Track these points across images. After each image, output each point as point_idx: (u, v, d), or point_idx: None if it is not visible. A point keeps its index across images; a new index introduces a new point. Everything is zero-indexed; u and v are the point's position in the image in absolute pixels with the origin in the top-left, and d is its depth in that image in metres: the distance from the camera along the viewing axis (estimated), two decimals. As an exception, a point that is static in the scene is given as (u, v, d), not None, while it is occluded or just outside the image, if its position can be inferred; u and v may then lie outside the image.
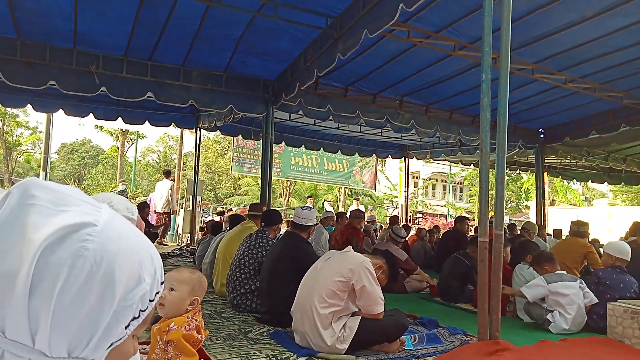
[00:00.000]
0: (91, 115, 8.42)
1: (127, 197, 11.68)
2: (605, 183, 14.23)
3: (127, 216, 1.91)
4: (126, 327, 0.63)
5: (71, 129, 65.30)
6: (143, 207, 8.81)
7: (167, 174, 12.07)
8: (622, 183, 13.83)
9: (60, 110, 8.08)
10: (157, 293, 0.67)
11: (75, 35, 5.54)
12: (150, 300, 0.65)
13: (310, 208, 4.36)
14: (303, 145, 11.50)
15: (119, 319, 0.61)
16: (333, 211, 8.92)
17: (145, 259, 0.65)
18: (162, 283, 0.69)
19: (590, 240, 6.79)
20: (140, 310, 0.64)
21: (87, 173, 36.16)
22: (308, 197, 18.64)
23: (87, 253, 0.58)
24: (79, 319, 0.58)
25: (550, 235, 10.00)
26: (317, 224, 7.92)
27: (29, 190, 0.61)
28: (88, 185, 29.74)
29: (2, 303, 0.56)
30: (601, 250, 5.21)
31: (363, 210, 14.15)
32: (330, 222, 8.25)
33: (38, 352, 0.57)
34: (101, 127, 26.47)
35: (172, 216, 12.17)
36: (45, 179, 10.63)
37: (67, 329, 0.57)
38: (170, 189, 11.37)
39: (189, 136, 15.39)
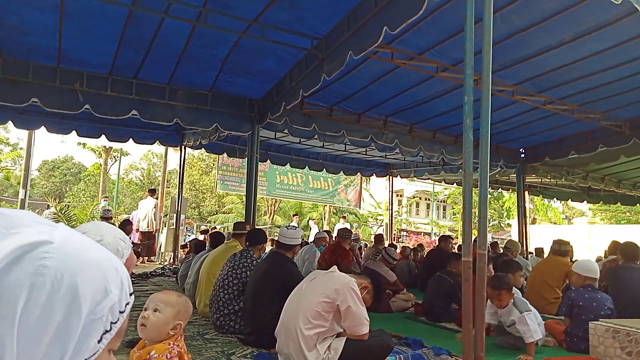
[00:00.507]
0: (74, 132, 8.32)
1: (111, 215, 11.52)
2: (585, 202, 14.51)
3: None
4: (99, 342, 0.61)
5: (53, 146, 64.37)
6: (125, 225, 8.66)
7: (152, 192, 11.97)
8: (601, 202, 14.12)
9: (42, 127, 7.97)
10: (128, 304, 0.66)
11: (59, 53, 5.51)
12: (121, 312, 0.64)
13: (295, 227, 4.34)
14: (288, 164, 11.51)
15: (90, 333, 0.60)
16: (323, 232, 8.91)
17: (109, 271, 0.64)
18: (131, 294, 0.68)
19: (572, 259, 6.87)
20: (112, 322, 0.63)
21: (68, 190, 35.54)
22: (294, 216, 18.58)
23: (46, 271, 0.56)
24: (47, 339, 0.56)
25: (532, 253, 10.12)
26: (308, 244, 7.91)
27: None
28: (70, 202, 29.21)
29: None
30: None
31: (350, 228, 14.16)
32: (323, 243, 8.23)
33: None
34: (84, 145, 26.14)
35: (155, 235, 12.03)
36: (25, 197, 10.45)
37: (35, 350, 0.56)
38: (155, 207, 11.26)
39: (174, 154, 15.29)
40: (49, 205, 12.69)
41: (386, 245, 9.15)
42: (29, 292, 0.55)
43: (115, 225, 8.78)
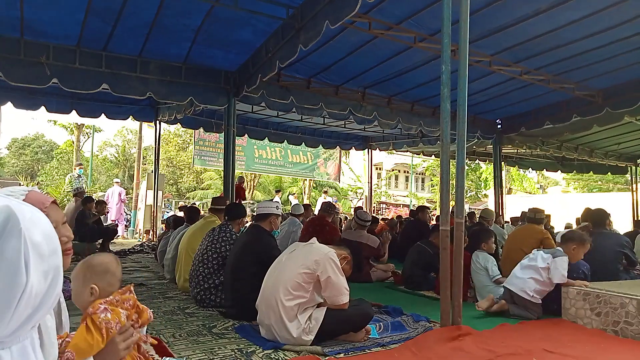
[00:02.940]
0: (43, 108, 8.03)
1: (84, 183, 11.28)
2: (559, 171, 14.86)
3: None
4: None
5: (23, 123, 62.21)
6: (87, 202, 8.48)
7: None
8: (574, 171, 14.49)
9: (9, 103, 7.67)
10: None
11: (22, 24, 5.24)
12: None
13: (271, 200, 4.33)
14: (266, 138, 11.40)
15: None
16: (299, 206, 8.88)
17: None
18: None
19: (549, 227, 7.07)
20: None
21: (40, 169, 34.59)
22: (277, 192, 18.54)
23: None
24: None
25: (508, 222, 10.36)
26: (288, 217, 7.88)
27: None
28: (42, 181, 28.48)
29: None
30: (556, 237, 5.43)
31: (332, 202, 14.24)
32: (299, 217, 8.21)
33: None
34: (55, 121, 25.31)
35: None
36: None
37: None
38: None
39: (149, 130, 14.96)
40: (20, 184, 12.26)
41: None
42: None
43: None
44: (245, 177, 14.54)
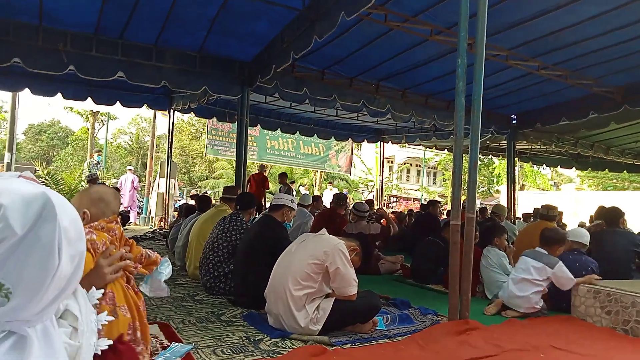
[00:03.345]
0: (59, 95, 8.12)
1: (97, 177, 11.43)
2: (574, 168, 14.65)
3: None
4: None
5: (39, 109, 63.03)
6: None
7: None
8: (589, 168, 14.26)
9: (27, 89, 7.77)
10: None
11: (40, 11, 5.30)
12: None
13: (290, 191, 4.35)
14: (279, 129, 11.40)
15: None
16: (309, 197, 8.90)
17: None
18: None
19: (560, 224, 7.01)
20: None
21: (56, 155, 35.09)
22: (291, 183, 18.59)
23: None
24: None
25: (520, 218, 10.28)
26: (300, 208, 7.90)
27: None
28: (57, 167, 28.90)
29: None
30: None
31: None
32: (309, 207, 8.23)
33: None
34: (71, 108, 25.64)
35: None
36: (11, 160, 10.31)
37: None
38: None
39: (162, 118, 15.07)
40: (35, 169, 12.44)
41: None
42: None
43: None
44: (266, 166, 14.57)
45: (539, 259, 4.11)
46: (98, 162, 12.09)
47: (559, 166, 14.48)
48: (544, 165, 15.04)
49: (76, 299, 1.09)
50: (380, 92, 8.06)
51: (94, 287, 1.33)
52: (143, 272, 2.08)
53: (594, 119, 8.26)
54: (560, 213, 6.94)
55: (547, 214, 6.53)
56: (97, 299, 1.32)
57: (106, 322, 1.29)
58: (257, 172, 12.38)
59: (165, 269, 2.09)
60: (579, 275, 4.11)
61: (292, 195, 10.51)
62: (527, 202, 17.40)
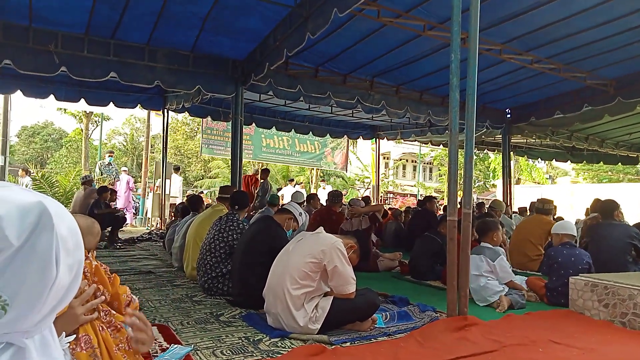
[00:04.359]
0: (52, 96, 8.07)
1: (115, 171, 11.33)
2: (569, 161, 14.72)
3: None
4: None
5: (32, 111, 62.60)
6: (102, 192, 8.55)
7: (177, 169, 12.91)
8: (584, 161, 14.34)
9: (19, 91, 7.71)
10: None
11: (30, 12, 5.25)
12: (86, 247, 0.81)
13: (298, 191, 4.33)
14: (274, 127, 11.37)
15: None
16: (301, 194, 8.87)
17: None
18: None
19: (555, 217, 7.03)
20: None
21: (50, 157, 34.89)
22: (290, 181, 18.55)
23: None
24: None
25: (516, 212, 10.30)
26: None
27: None
28: (52, 169, 28.75)
29: None
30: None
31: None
32: (302, 205, 8.21)
33: None
34: (64, 110, 25.44)
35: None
36: (5, 163, 10.23)
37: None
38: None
39: (157, 118, 14.99)
40: (30, 171, 12.30)
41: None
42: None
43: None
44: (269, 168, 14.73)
45: (483, 252, 4.24)
46: (110, 164, 11.87)
47: (554, 159, 14.55)
48: (539, 159, 15.10)
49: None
50: (375, 88, 8.06)
51: (63, 333, 1.14)
52: (121, 320, 1.77)
53: (588, 112, 8.30)
54: (555, 207, 6.96)
55: (543, 207, 6.55)
56: (70, 345, 1.23)
57: None
58: (251, 174, 12.41)
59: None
60: (576, 270, 4.12)
61: (269, 190, 10.50)
62: (523, 196, 17.44)
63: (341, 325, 3.16)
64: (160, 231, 10.15)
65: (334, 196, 7.39)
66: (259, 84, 6.83)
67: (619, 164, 14.75)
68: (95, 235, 1.88)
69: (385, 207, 9.91)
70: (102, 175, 11.35)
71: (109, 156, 12.36)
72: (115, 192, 10.21)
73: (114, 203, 10.42)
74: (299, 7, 4.99)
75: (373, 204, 9.41)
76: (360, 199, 7.48)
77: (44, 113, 55.34)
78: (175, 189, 12.55)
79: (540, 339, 3.02)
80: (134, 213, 13.83)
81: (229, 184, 7.00)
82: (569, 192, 19.89)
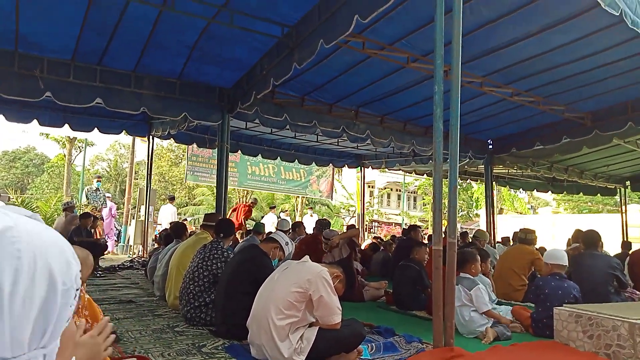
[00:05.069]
0: (35, 121, 7.98)
1: (103, 197, 11.05)
2: (549, 192, 14.96)
3: None
4: (71, 307, 0.68)
5: (14, 136, 61.76)
6: (84, 218, 8.39)
7: (172, 199, 13.16)
8: (564, 192, 14.59)
9: (1, 116, 7.62)
10: (80, 270, 0.73)
11: (16, 37, 5.24)
12: (80, 278, 0.72)
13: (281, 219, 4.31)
14: (260, 154, 11.38)
15: (67, 302, 0.66)
16: (285, 221, 8.81)
17: (64, 244, 0.70)
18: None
19: (537, 247, 7.08)
20: (76, 289, 0.69)
21: (31, 182, 34.28)
22: (271, 208, 18.46)
23: (21, 254, 0.61)
24: (33, 315, 0.61)
25: (500, 242, 10.38)
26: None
27: None
28: (32, 194, 28.19)
29: None
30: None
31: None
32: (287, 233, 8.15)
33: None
34: (47, 135, 25.17)
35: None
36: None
37: (24, 327, 0.61)
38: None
39: (141, 144, 14.90)
40: (9, 197, 11.95)
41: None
42: (14, 276, 0.59)
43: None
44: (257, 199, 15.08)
45: (462, 283, 4.22)
46: (97, 189, 11.42)
47: (535, 190, 14.78)
48: (521, 189, 15.34)
49: None
50: (360, 118, 8.17)
51: None
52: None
53: (567, 144, 8.50)
54: (535, 237, 6.98)
55: (526, 237, 6.62)
56: None
57: None
58: (246, 203, 12.41)
59: None
60: (562, 302, 4.11)
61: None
62: (506, 225, 17.63)
63: (326, 357, 3.09)
64: (142, 259, 9.94)
65: (322, 225, 7.37)
66: (245, 112, 6.87)
67: (598, 194, 15.05)
68: (89, 266, 1.82)
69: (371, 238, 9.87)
70: (88, 201, 11.00)
71: (97, 181, 11.89)
72: (97, 219, 10.02)
73: (97, 231, 10.21)
74: (286, 37, 5.09)
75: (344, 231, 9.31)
76: (332, 230, 7.38)
77: (26, 138, 54.57)
78: (167, 218, 12.35)
79: (526, 370, 2.99)
80: (115, 240, 13.56)
81: (214, 211, 6.93)
82: (550, 222, 20.18)
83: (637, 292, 5.53)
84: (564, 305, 4.00)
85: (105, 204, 11.75)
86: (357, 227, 12.61)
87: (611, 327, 3.46)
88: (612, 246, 9.95)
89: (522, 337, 4.19)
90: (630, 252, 7.53)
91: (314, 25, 4.60)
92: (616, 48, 5.41)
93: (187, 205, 28.59)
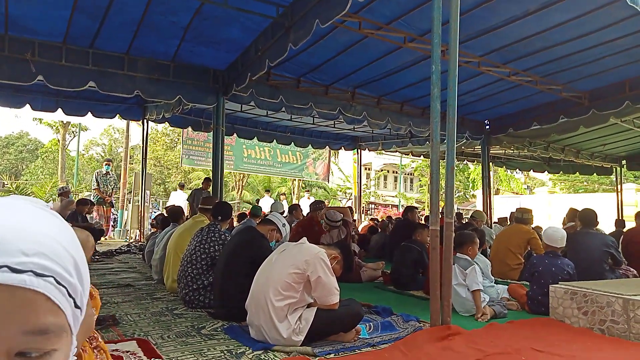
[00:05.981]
0: (28, 106, 7.90)
1: (114, 180, 10.93)
2: (546, 172, 15.02)
3: None
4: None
5: (7, 121, 61.19)
6: (81, 204, 8.36)
7: (182, 186, 13.39)
8: (561, 172, 14.65)
9: (-8, 101, 7.54)
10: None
11: (6, 20, 5.14)
12: None
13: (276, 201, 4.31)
14: (255, 137, 11.33)
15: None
16: (279, 204, 8.82)
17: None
18: None
19: (533, 227, 7.13)
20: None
21: (25, 168, 34.07)
22: (266, 191, 18.47)
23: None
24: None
25: (496, 222, 10.44)
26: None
27: None
28: (27, 180, 28.06)
29: None
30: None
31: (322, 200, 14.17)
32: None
33: None
34: (40, 120, 24.94)
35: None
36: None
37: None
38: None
39: (136, 128, 14.80)
40: (4, 183, 11.84)
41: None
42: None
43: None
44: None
45: (457, 262, 4.24)
46: (107, 172, 11.17)
47: (531, 170, 14.82)
48: (518, 169, 15.36)
49: None
50: (356, 99, 8.11)
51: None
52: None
53: (564, 123, 8.49)
54: (532, 216, 7.00)
55: (522, 217, 6.66)
56: None
57: None
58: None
59: None
60: (556, 279, 4.16)
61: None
62: (502, 206, 17.73)
63: (325, 337, 3.13)
64: (140, 243, 9.97)
65: (315, 204, 7.39)
66: (240, 94, 6.80)
67: (594, 174, 15.11)
68: (89, 249, 1.82)
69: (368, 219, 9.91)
70: (98, 185, 10.78)
71: (107, 165, 11.53)
72: (94, 204, 9.97)
73: (95, 216, 10.19)
74: (281, 17, 5.01)
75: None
76: (335, 211, 7.43)
77: (19, 123, 54.11)
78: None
79: (523, 347, 3.04)
80: (112, 225, 13.55)
81: (210, 194, 6.92)
82: (546, 202, 20.30)
83: (632, 269, 5.59)
84: (559, 282, 4.04)
85: (117, 187, 11.45)
86: (353, 209, 12.65)
87: (605, 303, 3.50)
88: (608, 225, 10.03)
89: (518, 315, 4.24)
90: (624, 230, 7.60)
91: (309, 5, 4.53)
92: (615, 26, 5.36)
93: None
